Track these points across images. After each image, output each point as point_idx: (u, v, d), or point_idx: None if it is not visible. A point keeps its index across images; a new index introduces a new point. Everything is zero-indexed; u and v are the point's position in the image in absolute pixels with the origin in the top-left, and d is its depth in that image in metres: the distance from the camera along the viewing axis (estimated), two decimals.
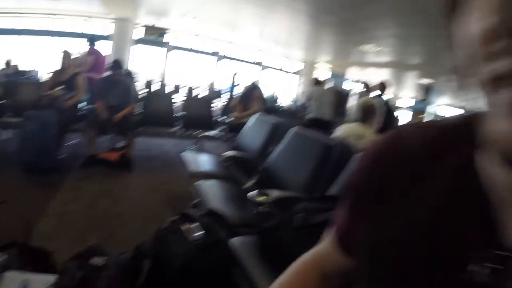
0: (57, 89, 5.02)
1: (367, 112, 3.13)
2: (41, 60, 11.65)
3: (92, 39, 7.03)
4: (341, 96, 9.51)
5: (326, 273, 0.73)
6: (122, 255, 1.35)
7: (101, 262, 1.25)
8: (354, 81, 15.42)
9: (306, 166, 2.50)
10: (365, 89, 6.98)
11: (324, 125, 6.35)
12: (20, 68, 9.80)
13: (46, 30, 12.71)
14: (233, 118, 5.81)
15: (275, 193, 2.18)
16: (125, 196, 4.04)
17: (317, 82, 7.35)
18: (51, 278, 1.29)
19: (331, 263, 0.71)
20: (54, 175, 4.45)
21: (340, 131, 3.20)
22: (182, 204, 3.82)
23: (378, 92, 5.79)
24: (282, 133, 3.14)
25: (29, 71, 9.89)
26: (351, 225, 0.64)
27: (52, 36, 12.67)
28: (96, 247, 1.35)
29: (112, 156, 5.06)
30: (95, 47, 7.07)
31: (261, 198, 2.13)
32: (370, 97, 4.12)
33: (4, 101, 5.24)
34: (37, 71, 10.38)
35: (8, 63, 8.34)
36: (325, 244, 0.73)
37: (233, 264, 1.50)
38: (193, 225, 1.39)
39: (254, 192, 2.18)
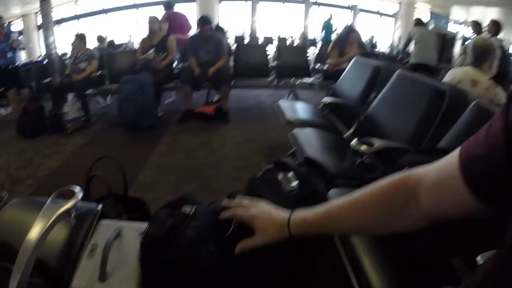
0: (149, 52, 5.18)
1: (483, 53, 2.66)
2: (132, 32, 12.34)
3: (169, 3, 7.01)
4: (446, 40, 8.52)
5: (417, 200, 0.63)
6: (213, 204, 1.29)
7: (191, 211, 1.20)
8: (459, 23, 13.91)
9: (413, 114, 2.21)
10: (475, 31, 5.99)
11: (428, 72, 5.63)
12: (116, 43, 10.58)
13: (131, 5, 13.61)
14: (328, 65, 5.43)
15: (378, 143, 1.97)
16: (220, 147, 4.07)
17: (419, 22, 6.65)
18: (144, 226, 1.27)
19: (438, 194, 0.59)
20: (153, 131, 4.68)
21: (451, 75, 2.83)
22: (278, 154, 3.76)
23: (490, 34, 5.10)
24: (384, 78, 2.86)
25: (123, 44, 10.73)
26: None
27: (137, 8, 13.52)
28: (188, 195, 1.30)
29: (208, 110, 5.14)
30: (174, 10, 7.07)
31: (363, 148, 1.95)
32: (486, 36, 3.53)
33: (101, 71, 5.61)
34: (132, 43, 11.13)
35: (100, 39, 8.77)
36: (440, 166, 0.61)
37: None
38: (289, 174, 1.26)
39: (356, 141, 2.00)
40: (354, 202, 0.76)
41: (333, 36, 9.52)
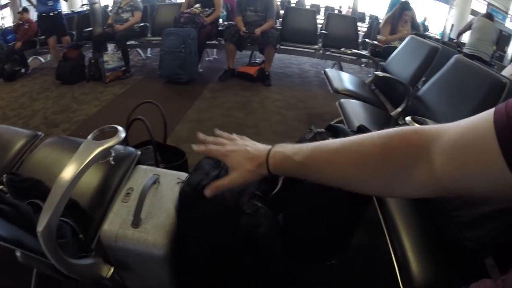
0: (195, 6, 5.09)
1: None
2: None
3: None
4: (502, 36, 7.99)
5: (430, 161, 0.52)
6: None
7: None
8: None
9: (468, 102, 2.10)
10: None
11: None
12: None
13: None
14: (378, 41, 5.17)
15: (432, 123, 1.93)
16: (260, 109, 4.02)
17: (488, 16, 6.10)
18: (182, 176, 1.28)
19: (462, 159, 0.48)
20: (193, 86, 4.67)
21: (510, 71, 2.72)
22: (318, 123, 3.70)
23: None
24: (439, 61, 2.77)
25: None
26: None
27: None
28: None
29: (250, 71, 5.07)
30: None
31: (417, 126, 1.91)
32: None
33: (143, 24, 5.58)
34: None
35: None
36: (466, 125, 0.49)
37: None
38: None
39: (408, 118, 1.96)
40: (351, 149, 0.64)
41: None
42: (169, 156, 1.82)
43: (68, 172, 0.89)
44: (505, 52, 8.25)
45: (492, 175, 0.44)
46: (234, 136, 0.93)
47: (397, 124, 2.54)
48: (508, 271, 0.54)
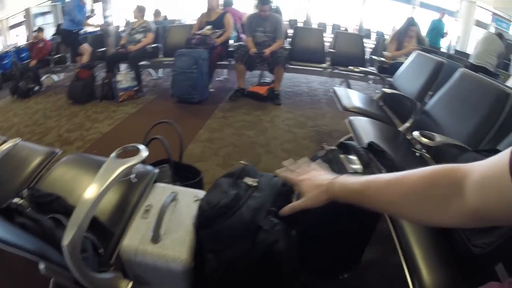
0: (206, 28, 5.19)
1: None
2: (184, 8, 12.78)
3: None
4: (507, 45, 8.03)
5: (462, 193, 0.61)
6: (274, 178, 1.31)
7: (254, 183, 1.22)
8: None
9: (473, 115, 2.12)
10: None
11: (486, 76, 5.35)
12: (169, 18, 10.82)
13: None
14: (385, 58, 5.22)
15: (440, 138, 1.94)
16: (271, 128, 4.06)
17: (498, 34, 6.30)
18: (199, 193, 1.32)
19: (486, 190, 0.57)
20: (204, 106, 4.74)
21: None
22: (328, 141, 3.61)
23: None
24: (445, 75, 2.80)
25: (177, 20, 10.91)
26: None
27: None
28: (249, 168, 1.30)
29: (260, 90, 5.14)
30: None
31: (424, 141, 1.94)
32: None
33: (155, 45, 5.72)
34: (185, 19, 11.26)
35: (156, 12, 8.87)
36: (490, 162, 0.58)
37: None
38: (352, 156, 1.26)
39: (417, 133, 1.99)
40: (398, 180, 0.75)
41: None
42: (185, 174, 1.87)
43: (94, 189, 0.94)
44: (510, 60, 8.20)
45: (509, 204, 0.52)
46: (311, 166, 1.09)
47: (406, 139, 2.57)
48: None
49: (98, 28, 6.97)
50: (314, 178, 0.99)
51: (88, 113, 4.51)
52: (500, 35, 6.25)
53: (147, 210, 1.25)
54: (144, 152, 1.07)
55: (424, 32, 8.56)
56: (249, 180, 1.23)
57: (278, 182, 1.28)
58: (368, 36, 11.72)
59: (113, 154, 1.05)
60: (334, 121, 4.34)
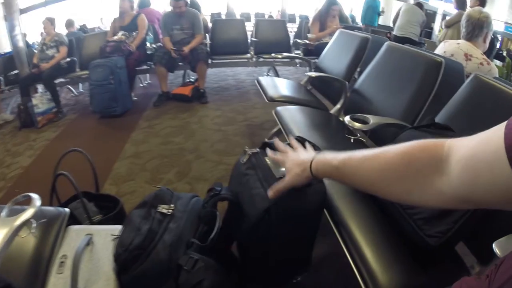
0: (119, 33, 4.89)
1: (478, 26, 2.50)
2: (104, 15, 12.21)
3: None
4: (427, 14, 8.35)
5: (447, 171, 0.56)
6: (193, 199, 1.17)
7: (168, 212, 1.11)
8: None
9: (405, 88, 2.05)
10: (458, 6, 5.46)
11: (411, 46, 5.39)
12: (88, 27, 10.23)
13: None
14: (309, 40, 5.12)
15: (374, 119, 1.80)
16: (199, 129, 3.90)
17: (417, 4, 6.40)
18: (115, 229, 1.18)
19: (475, 170, 0.50)
20: (128, 117, 4.47)
21: (443, 48, 2.67)
22: (260, 134, 3.66)
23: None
24: (371, 51, 2.69)
25: (95, 28, 10.44)
26: None
27: None
28: (163, 192, 1.20)
29: (184, 91, 4.95)
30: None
31: (357, 125, 1.76)
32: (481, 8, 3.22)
33: (70, 58, 5.22)
34: (105, 27, 10.64)
35: (69, 23, 8.14)
36: (479, 139, 0.52)
37: (324, 203, 1.22)
38: None
39: (348, 118, 1.81)
40: (376, 155, 0.72)
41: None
42: (106, 204, 1.73)
43: None
44: (431, 28, 8.80)
45: (501, 186, 0.46)
46: (295, 144, 1.09)
47: (339, 122, 2.45)
48: (490, 264, 0.58)
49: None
50: (296, 155, 1.00)
51: (8, 147, 4.05)
52: (420, 5, 6.42)
53: (62, 262, 1.11)
54: (37, 202, 0.92)
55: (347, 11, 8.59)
56: (163, 209, 1.14)
57: (198, 203, 1.21)
58: (293, 20, 11.79)
59: (3, 212, 0.90)
60: (264, 111, 4.26)
